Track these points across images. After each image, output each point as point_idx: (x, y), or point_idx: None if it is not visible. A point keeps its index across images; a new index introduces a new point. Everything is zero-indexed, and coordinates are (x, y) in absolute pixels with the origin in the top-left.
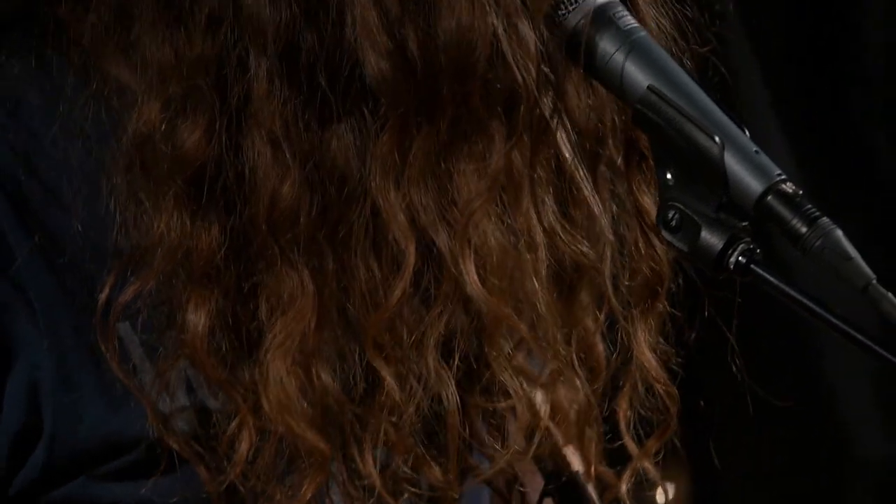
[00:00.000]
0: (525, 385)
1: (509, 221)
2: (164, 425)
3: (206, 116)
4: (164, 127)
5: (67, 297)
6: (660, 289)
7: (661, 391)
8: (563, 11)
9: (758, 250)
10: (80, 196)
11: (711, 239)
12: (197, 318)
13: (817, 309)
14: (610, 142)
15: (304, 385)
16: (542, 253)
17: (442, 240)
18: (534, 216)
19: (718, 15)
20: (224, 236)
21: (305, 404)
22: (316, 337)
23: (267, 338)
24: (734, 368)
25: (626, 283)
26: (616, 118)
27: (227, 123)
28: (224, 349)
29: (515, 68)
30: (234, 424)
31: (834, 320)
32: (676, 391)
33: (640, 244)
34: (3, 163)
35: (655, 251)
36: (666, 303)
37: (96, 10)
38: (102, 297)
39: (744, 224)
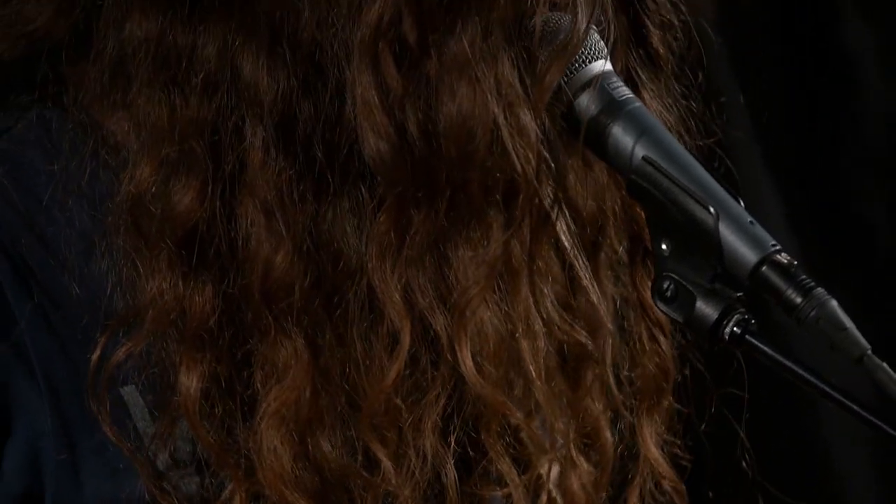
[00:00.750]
0: (522, 473)
1: (507, 309)
2: (159, 488)
3: (199, 179)
4: (156, 188)
5: (67, 358)
6: (665, 385)
7: (668, 487)
8: (558, 83)
9: (752, 321)
10: (77, 256)
11: (706, 309)
12: (189, 381)
13: (813, 379)
14: (611, 231)
15: (299, 454)
16: (541, 342)
17: (439, 323)
18: (532, 305)
19: (725, 106)
20: (217, 300)
21: (300, 473)
22: (311, 406)
23: (261, 405)
24: (745, 464)
25: (631, 377)
26: (617, 207)
27: (220, 189)
28: (218, 413)
29: (515, 158)
30: (227, 490)
31: (830, 390)
32: (684, 487)
33: (645, 339)
34: (5, 223)
35: (660, 347)
36: (672, 399)
37: (95, 66)
38: (94, 357)
39: (739, 294)
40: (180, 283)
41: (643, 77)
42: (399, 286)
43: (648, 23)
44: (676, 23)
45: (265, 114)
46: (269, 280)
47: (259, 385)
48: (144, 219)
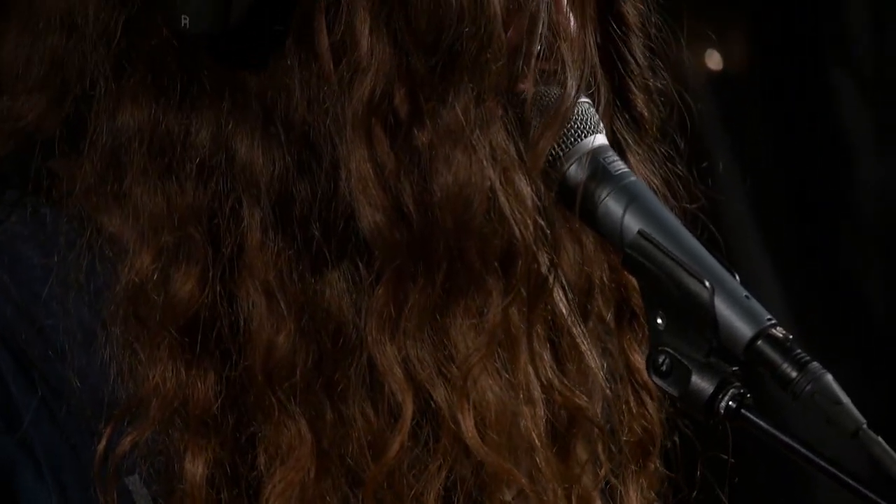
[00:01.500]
0: None
1: (508, 376)
2: None
3: (198, 266)
4: (156, 276)
5: (71, 450)
6: (652, 448)
7: None
8: (554, 157)
9: (748, 395)
10: (77, 348)
11: (702, 384)
12: (195, 468)
13: (809, 454)
14: (598, 298)
15: None
16: (541, 408)
17: (440, 394)
18: (532, 371)
19: (722, 180)
20: (220, 386)
21: None
22: (316, 486)
23: (266, 487)
24: None
25: (619, 441)
26: (604, 275)
27: (220, 273)
28: (224, 499)
29: (513, 223)
30: None
31: (825, 465)
32: None
33: (632, 403)
34: (5, 320)
35: (647, 410)
36: (659, 463)
37: (89, 159)
38: (100, 448)
39: (734, 368)
40: (182, 370)
41: (629, 140)
42: (399, 359)
43: (633, 86)
44: (660, 87)
45: (262, 195)
46: (271, 361)
47: (263, 467)
48: (145, 308)
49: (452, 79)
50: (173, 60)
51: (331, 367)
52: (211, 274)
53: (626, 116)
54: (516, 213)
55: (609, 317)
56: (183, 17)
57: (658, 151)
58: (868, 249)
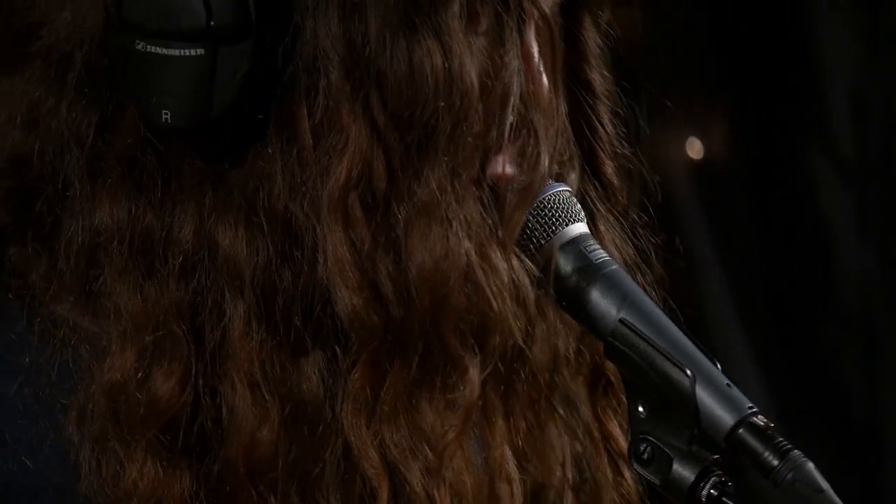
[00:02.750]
0: None
1: (484, 454)
2: None
3: (181, 363)
4: (139, 375)
5: None
6: None
7: None
8: (536, 244)
9: (730, 483)
10: (47, 447)
11: (683, 472)
12: None
13: None
14: (564, 372)
15: None
16: (517, 485)
17: (415, 477)
18: (507, 447)
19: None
20: (197, 484)
21: None
22: None
23: None
24: None
25: None
26: (570, 347)
27: (203, 368)
28: None
29: (490, 297)
30: None
31: None
32: None
33: (608, 471)
34: None
35: (624, 479)
36: None
37: (63, 257)
38: None
39: (716, 457)
40: (160, 469)
41: (599, 207)
42: (375, 442)
43: (601, 153)
44: (628, 153)
45: (246, 287)
46: (254, 454)
47: None
48: (125, 407)
49: (427, 155)
50: (152, 157)
51: (309, 456)
52: (193, 370)
53: (596, 184)
54: (493, 286)
55: (581, 386)
56: (163, 111)
57: (628, 219)
58: (849, 337)
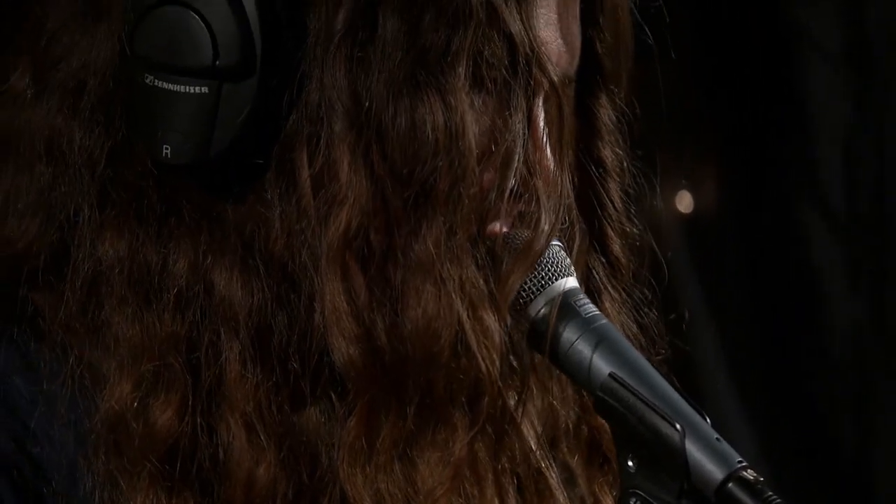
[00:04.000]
0: None
1: None
2: None
3: (178, 395)
4: (136, 405)
5: None
6: None
7: None
8: (525, 298)
9: None
10: (63, 477)
11: None
12: None
13: None
14: (563, 444)
15: None
16: None
17: None
18: None
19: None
20: None
21: None
22: None
23: None
24: None
25: None
26: (570, 420)
27: (200, 404)
28: None
29: (479, 359)
30: None
31: None
32: None
33: None
34: (5, 451)
35: None
36: None
37: (70, 287)
38: None
39: None
40: (164, 498)
41: (604, 284)
42: (370, 492)
43: (610, 231)
44: (636, 231)
45: (241, 328)
46: (252, 493)
47: None
48: (124, 437)
49: (425, 212)
50: (154, 190)
51: (307, 500)
52: (191, 403)
53: (602, 260)
54: (483, 348)
55: (578, 461)
56: (164, 147)
57: (633, 297)
58: (840, 389)
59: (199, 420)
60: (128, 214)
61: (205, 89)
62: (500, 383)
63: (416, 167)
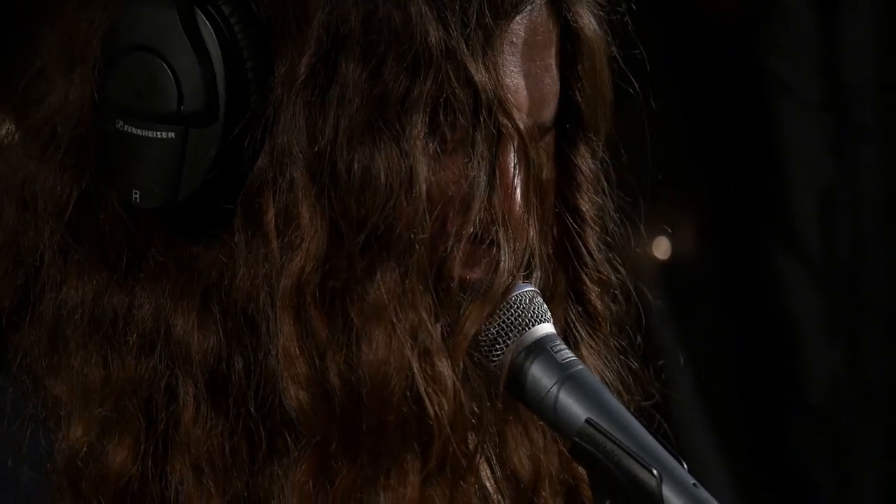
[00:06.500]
0: None
1: None
2: None
3: (132, 437)
4: (91, 447)
5: None
6: None
7: None
8: (502, 345)
9: None
10: None
11: None
12: None
13: None
14: (545, 491)
15: None
16: None
17: None
18: None
19: (666, 369)
20: None
21: None
22: None
23: None
24: None
25: None
26: (553, 468)
27: (153, 447)
28: None
29: (428, 404)
30: None
31: None
32: None
33: None
34: None
35: None
36: None
37: (34, 329)
38: None
39: None
40: None
41: (582, 333)
42: None
43: (587, 280)
44: (614, 280)
45: (196, 371)
46: None
47: None
48: (79, 478)
49: (379, 257)
50: (121, 235)
51: None
52: (143, 447)
53: (580, 309)
54: (433, 394)
55: None
56: (134, 191)
57: (612, 345)
58: (817, 435)
59: (150, 463)
60: (94, 259)
61: (171, 134)
62: (449, 429)
63: (370, 213)
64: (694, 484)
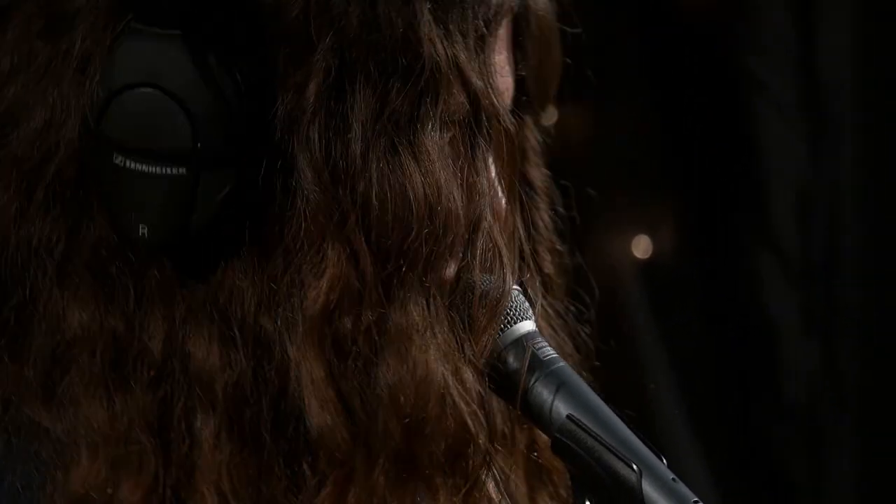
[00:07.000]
0: None
1: None
2: None
3: (149, 476)
4: (104, 488)
5: None
6: None
7: None
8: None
9: None
10: None
11: None
12: None
13: None
14: (500, 457)
15: None
16: None
17: None
18: None
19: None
20: None
21: None
22: None
23: None
24: None
25: None
26: (508, 431)
27: (170, 478)
28: None
29: (466, 418)
30: None
31: None
32: None
33: None
34: None
35: None
36: None
37: (31, 364)
38: None
39: None
40: None
41: (539, 299)
42: None
43: (541, 249)
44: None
45: (217, 400)
46: None
47: None
48: None
49: (406, 280)
50: (123, 267)
51: None
52: (161, 483)
53: (537, 277)
54: (468, 407)
55: (519, 476)
56: (141, 226)
57: (563, 310)
58: (794, 433)
59: (168, 494)
60: (94, 292)
61: (182, 171)
62: (482, 441)
63: (397, 236)
64: (673, 479)
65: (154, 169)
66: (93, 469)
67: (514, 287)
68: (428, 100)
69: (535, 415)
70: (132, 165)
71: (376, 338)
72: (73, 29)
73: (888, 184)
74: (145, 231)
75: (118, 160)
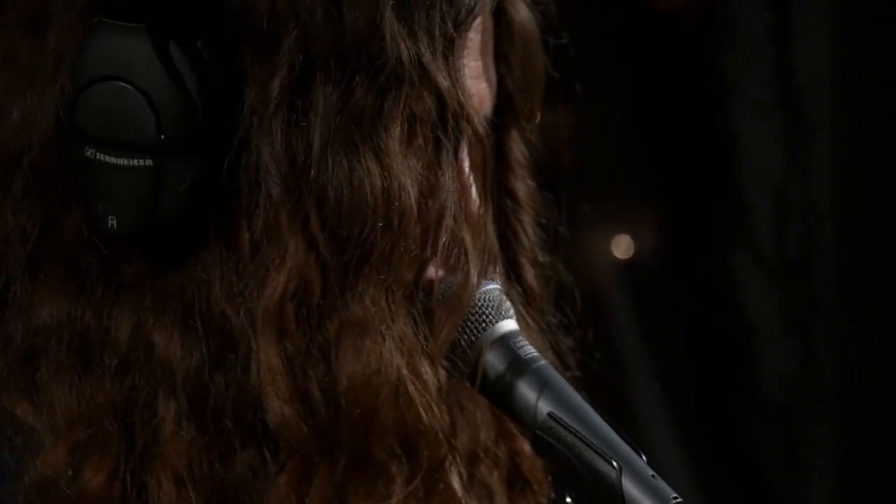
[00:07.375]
0: None
1: None
2: None
3: (112, 458)
4: (69, 471)
5: None
6: None
7: None
8: (467, 341)
9: None
10: None
11: None
12: None
13: None
14: (483, 465)
15: None
16: None
17: None
18: None
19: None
20: None
21: None
22: None
23: None
24: None
25: None
26: (490, 443)
27: (132, 463)
28: None
29: (421, 410)
30: None
31: None
32: None
33: None
34: None
35: None
36: None
37: (3, 352)
38: None
39: None
40: None
41: (522, 312)
42: None
43: (523, 261)
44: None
45: (178, 388)
46: None
47: None
48: (55, 501)
49: (363, 272)
50: (94, 258)
51: None
52: (123, 467)
53: (518, 289)
54: (423, 400)
55: (497, 481)
56: (110, 217)
57: (546, 322)
58: (772, 432)
59: (129, 479)
60: (65, 283)
61: (149, 162)
62: (438, 434)
63: (353, 230)
64: (652, 475)
65: (121, 160)
66: (58, 453)
67: (496, 287)
68: (391, 97)
69: (516, 412)
70: (101, 157)
71: (332, 328)
72: (51, 27)
73: (865, 183)
74: (114, 222)
75: (89, 152)
